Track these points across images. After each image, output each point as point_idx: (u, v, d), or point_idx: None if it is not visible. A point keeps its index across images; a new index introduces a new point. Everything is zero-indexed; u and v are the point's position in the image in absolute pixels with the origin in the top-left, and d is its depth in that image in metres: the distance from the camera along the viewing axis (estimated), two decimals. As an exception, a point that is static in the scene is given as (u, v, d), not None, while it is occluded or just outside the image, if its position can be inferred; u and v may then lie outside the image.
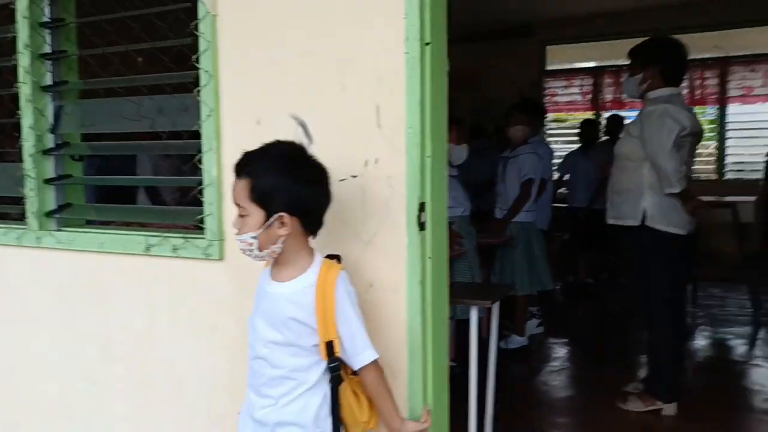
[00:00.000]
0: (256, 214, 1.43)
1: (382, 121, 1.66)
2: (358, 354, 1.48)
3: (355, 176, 1.69)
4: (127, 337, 2.04)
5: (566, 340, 4.55)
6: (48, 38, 2.13)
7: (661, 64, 3.02)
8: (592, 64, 8.23)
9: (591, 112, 8.36)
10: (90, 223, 2.21)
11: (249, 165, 1.46)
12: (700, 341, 4.44)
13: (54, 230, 2.16)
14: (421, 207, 1.64)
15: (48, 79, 2.14)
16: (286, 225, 1.43)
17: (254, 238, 1.44)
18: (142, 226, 2.14)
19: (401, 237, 1.65)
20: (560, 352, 4.33)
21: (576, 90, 8.41)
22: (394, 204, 1.65)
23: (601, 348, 4.32)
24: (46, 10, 2.11)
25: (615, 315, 5.20)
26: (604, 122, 7.43)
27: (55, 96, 2.15)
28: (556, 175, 6.28)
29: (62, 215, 2.17)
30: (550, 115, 8.62)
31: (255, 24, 1.80)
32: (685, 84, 7.71)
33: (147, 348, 2.02)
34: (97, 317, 2.09)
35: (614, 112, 7.54)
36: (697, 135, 3.06)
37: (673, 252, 3.00)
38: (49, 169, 2.17)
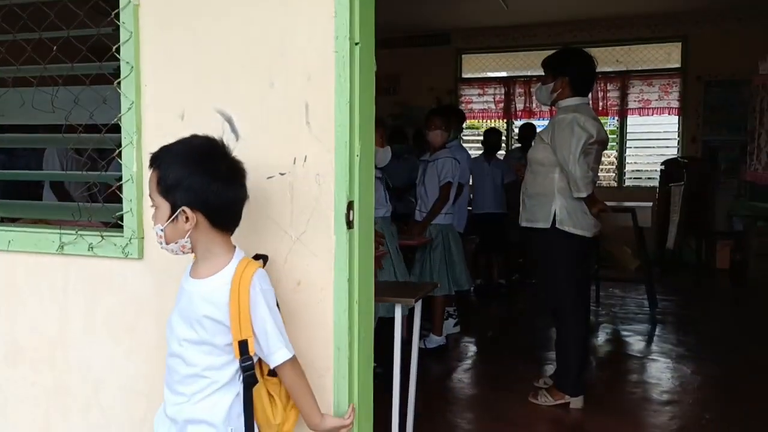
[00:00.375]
0: (163, 206, 1.44)
1: (311, 119, 1.66)
2: (273, 353, 1.48)
3: (283, 173, 1.69)
4: (37, 340, 1.93)
5: (481, 339, 4.69)
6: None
7: (571, 74, 3.19)
8: (504, 74, 8.53)
9: (503, 120, 8.68)
10: (-6, 221, 2.08)
11: (160, 158, 1.46)
12: (603, 338, 4.70)
13: (-46, 227, 2.02)
14: (350, 205, 1.66)
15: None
16: (190, 219, 1.43)
17: (162, 230, 1.44)
18: (47, 224, 2.04)
19: (329, 235, 1.65)
20: (475, 350, 4.46)
21: (489, 98, 8.69)
22: (322, 202, 1.66)
23: (513, 346, 4.48)
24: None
25: (526, 314, 5.42)
26: (516, 130, 7.71)
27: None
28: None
29: (-37, 211, 2.03)
30: (466, 122, 8.88)
31: (180, 14, 1.75)
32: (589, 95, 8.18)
33: (59, 352, 1.92)
34: (3, 319, 1.97)
35: (525, 120, 7.87)
36: (603, 143, 3.25)
37: (580, 253, 3.17)
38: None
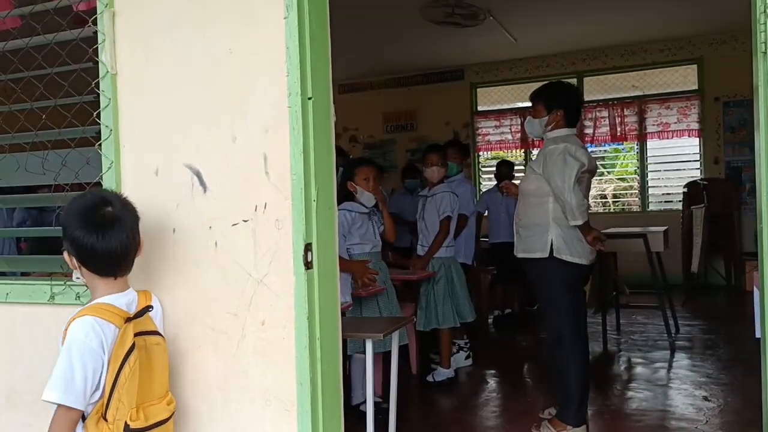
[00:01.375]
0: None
1: (269, 169, 1.80)
2: (47, 388, 1.57)
3: (246, 220, 1.82)
4: (33, 384, 2.08)
5: (493, 371, 4.70)
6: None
7: (565, 107, 3.27)
8: (519, 105, 8.63)
9: (521, 150, 8.74)
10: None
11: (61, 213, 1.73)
12: (617, 366, 4.65)
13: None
14: (308, 247, 1.77)
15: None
16: (72, 264, 1.67)
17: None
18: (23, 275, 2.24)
19: (290, 276, 1.77)
20: (485, 382, 4.47)
21: (506, 129, 8.78)
22: (282, 245, 1.78)
23: (524, 377, 4.48)
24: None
25: (541, 344, 5.39)
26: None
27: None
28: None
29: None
30: (488, 153, 8.98)
31: (152, 81, 1.92)
32: (606, 122, 8.20)
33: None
34: (3, 366, 2.13)
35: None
36: (593, 171, 3.30)
37: (577, 281, 3.20)
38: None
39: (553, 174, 3.13)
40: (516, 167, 6.90)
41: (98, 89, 1.95)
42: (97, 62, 1.95)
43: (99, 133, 1.96)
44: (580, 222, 3.11)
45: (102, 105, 1.95)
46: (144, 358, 1.65)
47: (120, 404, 1.59)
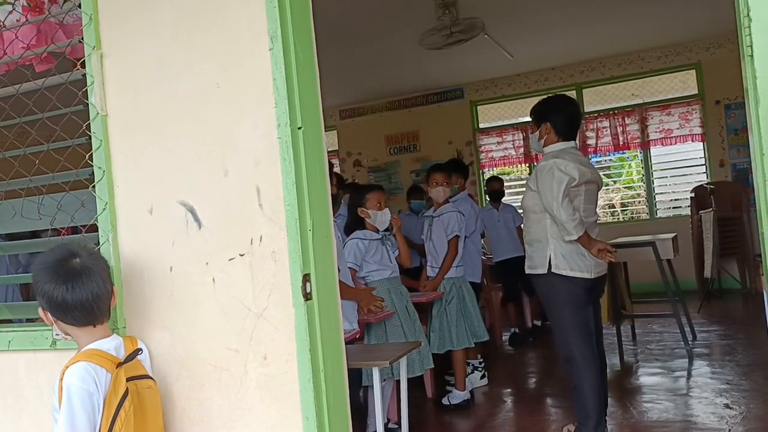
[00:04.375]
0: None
1: (263, 201, 1.78)
2: None
3: (242, 254, 1.80)
4: (38, 430, 2.06)
5: (509, 389, 4.62)
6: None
7: (553, 119, 3.26)
8: (521, 120, 8.62)
9: (525, 164, 8.73)
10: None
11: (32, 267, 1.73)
12: (635, 378, 4.57)
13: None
14: (306, 278, 1.75)
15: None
16: (47, 317, 1.67)
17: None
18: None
19: (289, 308, 1.74)
20: (502, 402, 4.39)
21: (509, 145, 8.77)
22: (280, 277, 1.75)
23: (542, 394, 4.40)
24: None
25: (557, 360, 5.31)
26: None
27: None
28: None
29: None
30: (493, 170, 8.97)
31: (142, 120, 1.92)
32: (608, 132, 8.18)
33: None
34: (10, 413, 2.11)
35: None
36: (592, 183, 3.26)
37: (582, 296, 3.15)
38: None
39: (543, 190, 3.12)
40: (522, 182, 6.86)
41: (89, 131, 1.96)
42: (88, 104, 1.95)
43: (92, 174, 1.95)
44: (573, 236, 3.07)
45: (94, 147, 1.95)
46: (136, 403, 1.65)
47: None
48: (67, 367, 1.61)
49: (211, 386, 1.84)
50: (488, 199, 6.30)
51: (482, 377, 4.51)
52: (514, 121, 8.73)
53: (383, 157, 9.46)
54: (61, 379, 1.61)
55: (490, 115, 8.97)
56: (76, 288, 1.63)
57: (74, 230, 2.00)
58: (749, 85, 1.26)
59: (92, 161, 1.95)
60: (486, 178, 6.84)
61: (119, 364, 1.64)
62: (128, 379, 1.65)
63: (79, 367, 1.60)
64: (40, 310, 1.69)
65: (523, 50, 7.26)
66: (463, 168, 5.23)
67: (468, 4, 5.23)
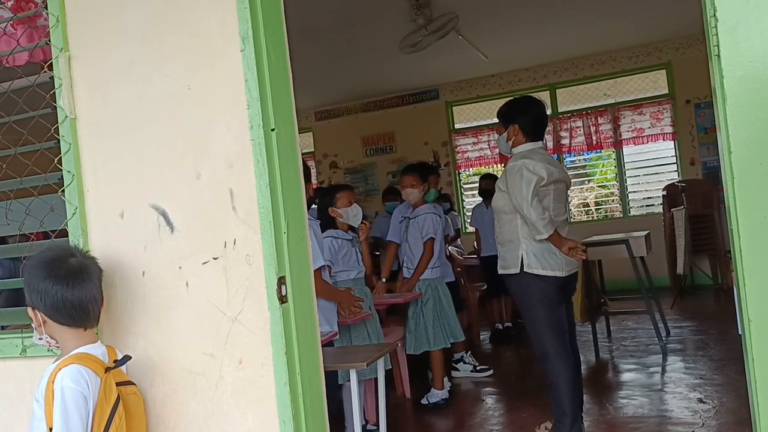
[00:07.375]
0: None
1: (236, 204, 1.77)
2: None
3: (216, 258, 1.78)
4: (8, 442, 2.02)
5: (489, 388, 4.64)
6: None
7: (520, 121, 3.29)
8: (495, 120, 8.64)
9: (501, 164, 8.78)
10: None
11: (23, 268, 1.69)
12: (611, 374, 4.62)
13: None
14: (281, 281, 1.73)
15: None
16: (37, 319, 1.63)
17: (35, 327, 1.66)
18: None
19: (264, 312, 1.73)
20: (482, 400, 4.41)
21: (484, 145, 8.83)
22: (254, 281, 1.74)
23: (520, 392, 4.42)
24: None
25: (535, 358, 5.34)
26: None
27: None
28: (472, 229, 6.56)
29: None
30: (469, 170, 9.00)
31: (112, 123, 1.89)
32: (581, 132, 8.27)
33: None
34: (-22, 426, 2.06)
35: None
36: (561, 182, 3.29)
37: (555, 294, 3.18)
38: None
39: (512, 190, 3.15)
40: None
41: (58, 135, 1.92)
42: (56, 107, 1.92)
43: (62, 179, 1.92)
44: (544, 235, 3.10)
45: (63, 150, 1.92)
46: (124, 410, 1.63)
47: None
48: (59, 369, 1.58)
49: (186, 392, 1.82)
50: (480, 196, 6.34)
51: (478, 370, 4.67)
52: (489, 121, 8.78)
53: (359, 159, 9.45)
54: (52, 382, 1.58)
55: (465, 116, 9.01)
56: (75, 286, 1.62)
57: (44, 235, 1.96)
58: (717, 85, 1.28)
59: (61, 165, 1.91)
60: (480, 176, 6.89)
61: (107, 369, 1.63)
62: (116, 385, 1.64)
63: (73, 369, 1.58)
64: (29, 310, 1.65)
65: (497, 51, 7.31)
66: (429, 169, 5.26)
67: (441, 5, 5.24)
